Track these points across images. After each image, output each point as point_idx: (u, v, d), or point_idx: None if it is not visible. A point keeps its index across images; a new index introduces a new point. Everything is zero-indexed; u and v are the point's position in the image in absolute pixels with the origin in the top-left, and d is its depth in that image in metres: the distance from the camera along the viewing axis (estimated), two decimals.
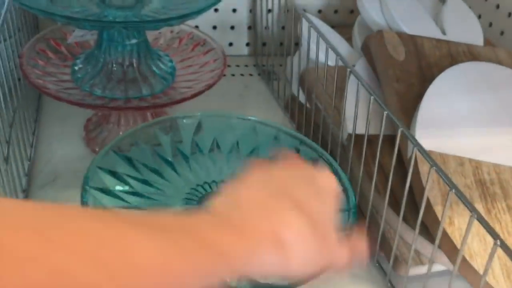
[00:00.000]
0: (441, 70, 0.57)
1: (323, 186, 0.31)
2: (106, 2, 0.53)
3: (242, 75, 0.79)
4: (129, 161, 0.44)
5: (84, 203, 0.38)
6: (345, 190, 0.43)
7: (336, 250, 0.30)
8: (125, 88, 0.55)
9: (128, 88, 0.55)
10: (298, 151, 0.48)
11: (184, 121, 0.48)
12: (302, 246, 0.27)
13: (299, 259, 0.27)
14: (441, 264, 0.47)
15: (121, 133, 0.59)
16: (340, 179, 0.44)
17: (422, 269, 0.48)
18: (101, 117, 0.61)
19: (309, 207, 0.28)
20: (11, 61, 0.54)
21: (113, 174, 0.42)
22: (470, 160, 0.48)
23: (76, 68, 0.56)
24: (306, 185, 0.30)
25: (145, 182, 0.44)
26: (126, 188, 0.42)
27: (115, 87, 0.54)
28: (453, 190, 0.36)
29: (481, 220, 0.34)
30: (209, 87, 0.55)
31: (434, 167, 0.38)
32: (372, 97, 0.45)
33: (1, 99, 0.47)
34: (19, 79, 0.57)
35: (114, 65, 0.55)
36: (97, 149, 0.59)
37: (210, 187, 0.45)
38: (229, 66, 0.80)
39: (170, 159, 0.46)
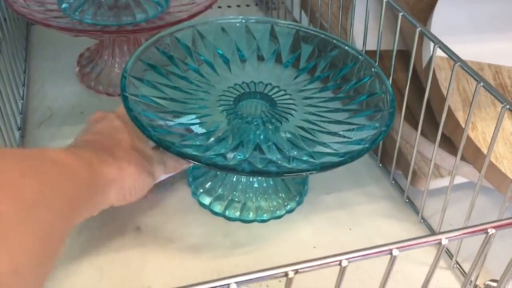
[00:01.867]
0: None
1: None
2: None
3: (238, 6, 0.75)
4: (156, 69, 0.43)
5: (129, 110, 0.37)
6: (385, 92, 0.41)
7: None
8: (117, 14, 0.51)
9: (120, 14, 0.51)
10: (325, 46, 0.46)
11: (201, 28, 0.46)
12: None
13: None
14: (462, 176, 0.45)
15: (116, 65, 0.56)
16: (379, 77, 0.43)
17: (441, 183, 0.46)
18: (94, 52, 0.58)
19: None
20: None
21: (145, 81, 0.41)
22: (490, 65, 0.45)
23: None
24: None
25: (176, 88, 0.43)
26: (161, 94, 0.41)
27: (106, 14, 0.51)
28: (481, 83, 0.33)
29: None
30: (207, 8, 0.51)
31: (459, 63, 0.35)
32: (385, 1, 0.42)
33: None
34: (4, 19, 0.53)
35: None
36: (92, 84, 0.56)
37: (242, 88, 0.44)
38: None
39: (194, 66, 0.45)
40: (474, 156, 0.40)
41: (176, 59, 0.44)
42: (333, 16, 0.56)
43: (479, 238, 0.28)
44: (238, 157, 0.37)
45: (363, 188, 0.48)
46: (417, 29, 0.39)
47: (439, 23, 0.49)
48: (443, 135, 0.43)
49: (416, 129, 0.42)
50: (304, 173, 0.34)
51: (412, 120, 0.47)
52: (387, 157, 0.49)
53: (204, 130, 0.39)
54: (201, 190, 0.45)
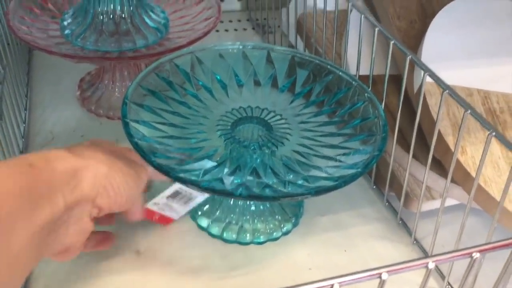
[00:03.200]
0: (442, 5, 0.56)
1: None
2: None
3: (236, 30, 0.77)
4: (156, 95, 0.44)
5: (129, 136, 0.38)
6: (378, 117, 0.43)
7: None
8: (118, 40, 0.53)
9: (121, 40, 0.53)
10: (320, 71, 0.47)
11: (203, 54, 0.48)
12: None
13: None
14: (453, 198, 0.46)
15: (116, 89, 0.58)
16: (370, 101, 0.45)
17: (433, 205, 0.47)
18: (95, 76, 0.59)
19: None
20: None
21: (145, 107, 0.43)
22: (479, 90, 0.46)
23: (65, 23, 0.54)
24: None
25: (175, 113, 0.44)
26: (160, 119, 0.43)
27: (107, 40, 0.52)
28: (469, 111, 0.35)
29: (500, 137, 0.32)
30: (205, 34, 0.53)
31: (447, 90, 0.37)
32: (377, 29, 0.43)
33: None
34: (8, 44, 0.54)
35: (104, 17, 0.53)
36: (92, 108, 0.57)
37: (239, 112, 0.46)
38: (222, 22, 0.78)
39: (193, 91, 0.46)
40: (463, 179, 0.41)
41: (175, 84, 0.46)
42: (327, 41, 0.58)
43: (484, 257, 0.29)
44: (235, 181, 0.38)
45: (357, 210, 0.50)
46: (408, 57, 0.40)
47: (429, 49, 0.50)
48: (434, 158, 0.45)
49: (409, 152, 0.43)
50: (299, 197, 0.36)
51: (404, 143, 0.48)
52: (381, 179, 0.50)
53: (215, 163, 0.40)
54: (199, 213, 0.46)
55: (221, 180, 0.38)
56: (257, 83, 0.49)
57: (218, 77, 0.48)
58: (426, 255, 0.45)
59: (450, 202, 0.47)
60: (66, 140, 0.54)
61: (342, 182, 0.36)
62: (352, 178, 0.36)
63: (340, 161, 0.40)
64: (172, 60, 0.47)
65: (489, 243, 0.26)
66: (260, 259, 0.44)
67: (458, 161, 0.41)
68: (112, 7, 0.53)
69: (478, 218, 0.48)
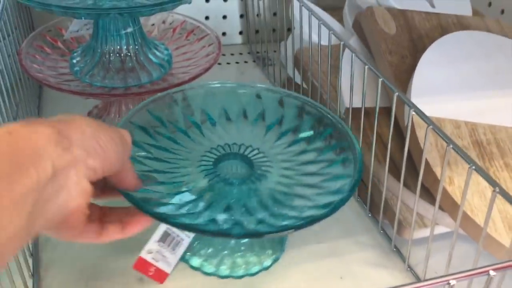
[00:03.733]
0: (432, 41, 0.58)
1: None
2: None
3: (237, 62, 0.80)
4: (146, 131, 0.46)
5: None
6: (350, 142, 0.45)
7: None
8: (124, 77, 0.56)
9: (127, 76, 0.56)
10: (302, 111, 0.49)
11: (193, 92, 0.50)
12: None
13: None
14: (445, 226, 0.48)
15: None
16: (340, 128, 0.47)
17: (426, 232, 0.49)
18: (102, 109, 0.62)
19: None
20: (10, 59, 0.55)
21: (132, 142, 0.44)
22: (466, 122, 0.49)
23: (74, 61, 0.57)
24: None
25: (162, 148, 0.45)
26: (145, 153, 0.44)
27: (114, 77, 0.55)
28: (451, 145, 0.37)
29: (480, 171, 0.35)
30: (206, 70, 0.56)
31: (431, 126, 0.39)
32: (366, 67, 0.46)
33: (4, 94, 0.48)
34: (19, 79, 0.58)
35: (111, 55, 0.56)
36: None
37: (223, 149, 0.47)
38: (223, 55, 0.81)
39: (184, 128, 0.48)
40: (451, 208, 0.43)
41: (165, 121, 0.48)
42: (323, 74, 0.61)
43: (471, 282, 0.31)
44: (229, 220, 0.40)
45: (353, 237, 0.51)
46: (395, 94, 0.43)
47: (420, 83, 0.53)
48: (426, 188, 0.47)
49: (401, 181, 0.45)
50: (293, 230, 0.37)
51: (397, 173, 0.51)
52: (375, 207, 0.52)
53: (193, 197, 0.42)
54: (189, 254, 0.47)
55: (214, 221, 0.39)
56: (246, 120, 0.50)
57: (209, 114, 0.50)
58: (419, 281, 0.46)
59: (442, 229, 0.49)
60: None
61: (332, 209, 0.38)
62: (339, 204, 0.38)
63: (323, 187, 0.42)
64: (164, 98, 0.49)
65: (466, 270, 0.28)
66: (259, 280, 0.46)
67: (446, 191, 0.43)
68: (118, 46, 0.56)
69: (471, 245, 0.50)
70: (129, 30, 0.55)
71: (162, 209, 0.39)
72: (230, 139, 0.48)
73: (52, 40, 0.60)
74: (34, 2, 0.47)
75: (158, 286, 0.45)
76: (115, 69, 0.56)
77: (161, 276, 0.44)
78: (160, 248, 0.43)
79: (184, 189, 0.43)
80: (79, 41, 0.61)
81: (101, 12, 0.48)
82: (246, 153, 0.47)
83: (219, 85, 0.51)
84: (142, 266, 0.43)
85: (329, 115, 0.48)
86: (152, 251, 0.43)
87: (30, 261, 0.45)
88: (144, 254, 0.43)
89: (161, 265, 0.44)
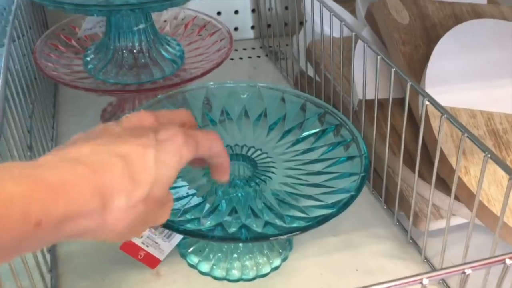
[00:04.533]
0: (446, 30, 0.58)
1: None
2: None
3: (250, 57, 0.80)
4: None
5: None
6: (354, 139, 0.44)
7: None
8: (137, 73, 0.56)
9: (140, 73, 0.56)
10: (304, 108, 0.49)
11: (193, 93, 0.50)
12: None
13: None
14: (461, 217, 0.48)
15: None
16: (344, 124, 0.46)
17: (442, 223, 0.49)
18: (116, 106, 0.63)
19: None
20: (25, 58, 0.56)
21: None
22: (482, 112, 0.48)
23: (88, 59, 0.58)
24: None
25: None
26: None
27: (127, 73, 0.56)
28: (466, 134, 0.37)
29: (495, 159, 0.34)
30: (218, 65, 0.56)
31: (446, 115, 0.39)
32: (379, 57, 0.46)
33: (20, 93, 0.48)
34: (35, 78, 0.58)
35: (124, 52, 0.56)
36: None
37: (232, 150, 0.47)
38: (236, 50, 0.81)
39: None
40: (467, 198, 0.43)
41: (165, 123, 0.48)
42: (336, 66, 0.60)
43: (488, 272, 0.30)
44: (236, 223, 0.39)
45: (368, 230, 0.51)
46: (408, 84, 0.43)
47: (434, 73, 0.52)
48: (442, 178, 0.46)
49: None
50: (302, 232, 0.37)
51: (412, 164, 0.50)
52: (391, 199, 0.52)
53: (200, 200, 0.42)
54: (189, 250, 0.47)
55: (221, 225, 0.39)
56: (247, 120, 0.50)
57: (208, 115, 0.50)
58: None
59: (460, 220, 0.49)
60: None
61: (340, 208, 0.38)
62: (348, 202, 0.38)
63: (330, 186, 0.42)
64: (164, 100, 0.49)
65: (481, 259, 0.27)
66: (274, 277, 0.46)
67: (462, 181, 0.43)
68: (131, 43, 0.56)
69: (488, 236, 0.49)
70: (141, 26, 0.55)
71: None
72: (232, 140, 0.48)
73: (66, 39, 0.61)
74: (47, 0, 0.47)
75: (172, 284, 0.45)
76: (128, 65, 0.56)
77: (152, 261, 0.44)
78: (150, 234, 0.44)
79: (188, 192, 0.43)
80: (92, 39, 0.62)
81: (113, 9, 0.48)
82: (249, 153, 0.47)
83: (218, 85, 0.51)
84: (129, 248, 0.44)
85: (332, 112, 0.48)
86: (142, 235, 0.44)
87: (48, 256, 0.46)
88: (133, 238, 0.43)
89: (151, 250, 0.44)
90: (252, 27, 0.84)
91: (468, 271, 0.26)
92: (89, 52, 0.58)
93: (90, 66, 0.57)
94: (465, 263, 0.26)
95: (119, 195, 0.28)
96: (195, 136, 0.34)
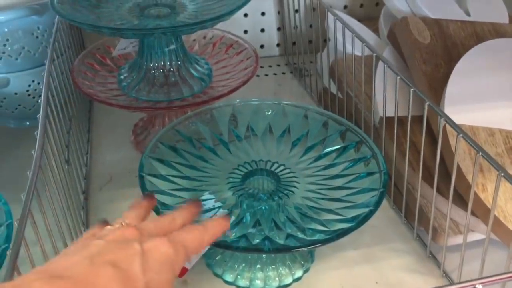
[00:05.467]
0: (467, 49, 0.59)
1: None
2: (144, 14, 0.58)
3: (275, 74, 0.83)
4: (175, 150, 0.49)
5: (143, 188, 0.42)
6: (374, 156, 0.46)
7: None
8: (168, 91, 0.59)
9: (170, 91, 0.59)
10: (326, 126, 0.51)
11: (220, 110, 0.53)
12: None
13: None
14: (479, 232, 0.49)
15: None
16: (364, 141, 0.48)
17: (461, 239, 0.50)
18: (147, 121, 0.66)
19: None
20: (64, 76, 0.60)
21: (162, 162, 0.47)
22: (500, 130, 0.49)
23: (122, 77, 0.61)
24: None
25: (191, 167, 0.48)
26: (175, 172, 0.47)
27: (158, 91, 0.59)
28: (480, 153, 0.38)
29: (508, 177, 0.35)
30: (244, 83, 0.58)
31: (461, 134, 0.40)
32: (398, 77, 0.47)
33: (59, 109, 0.52)
34: (72, 95, 0.62)
35: (155, 70, 0.60)
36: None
37: (250, 165, 0.50)
38: (262, 67, 0.84)
39: (211, 146, 0.51)
40: (485, 215, 0.44)
41: (194, 139, 0.51)
42: (358, 84, 0.62)
43: None
44: (259, 235, 0.42)
45: (389, 244, 0.52)
46: (426, 104, 0.44)
47: (454, 92, 0.54)
48: (461, 195, 0.47)
49: (436, 189, 0.46)
50: (322, 244, 0.39)
51: (431, 180, 0.51)
52: (411, 214, 0.53)
53: (226, 212, 0.44)
54: (213, 261, 0.49)
55: (246, 237, 0.41)
56: (271, 136, 0.53)
57: (234, 131, 0.52)
58: None
59: (479, 236, 0.50)
60: (122, 181, 0.60)
61: (359, 222, 0.40)
62: (367, 217, 0.40)
63: (349, 201, 0.44)
64: (191, 118, 0.52)
65: (491, 275, 0.29)
66: None
67: (478, 198, 0.44)
68: (162, 62, 0.59)
69: (506, 252, 0.50)
70: (172, 47, 0.58)
71: None
72: (257, 155, 0.51)
73: (101, 58, 0.64)
74: (86, 24, 0.51)
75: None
76: (159, 84, 0.59)
77: (181, 271, 0.46)
78: None
79: (214, 205, 0.45)
80: (126, 58, 0.65)
81: (146, 32, 0.51)
82: (272, 168, 0.49)
83: (244, 102, 0.54)
84: None
85: (353, 129, 0.50)
86: None
87: None
88: None
89: None
90: (278, 45, 0.87)
91: (479, 287, 0.27)
92: (122, 71, 0.62)
93: (123, 84, 0.60)
94: (477, 278, 0.28)
95: None
96: (182, 241, 0.34)
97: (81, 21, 0.51)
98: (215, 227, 0.37)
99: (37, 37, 0.63)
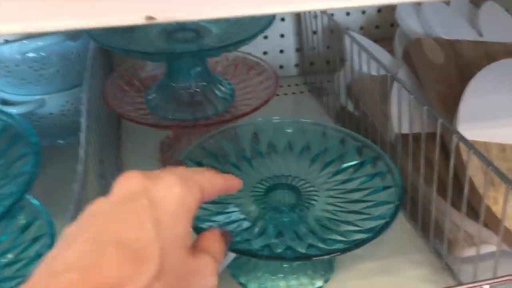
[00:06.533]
0: (479, 69, 0.61)
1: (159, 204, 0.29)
2: (171, 38, 0.62)
3: (293, 93, 0.86)
4: (202, 166, 0.52)
5: None
6: (390, 171, 0.49)
7: None
8: (193, 110, 0.63)
9: (195, 110, 0.63)
10: (344, 142, 0.54)
11: (243, 128, 0.56)
12: None
13: None
14: (493, 244, 0.50)
15: None
16: (381, 157, 0.51)
17: (475, 250, 0.52)
18: (173, 139, 0.70)
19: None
20: (96, 97, 0.64)
21: None
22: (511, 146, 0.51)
23: (150, 97, 0.65)
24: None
25: None
26: None
27: (184, 110, 0.62)
28: (490, 167, 0.40)
29: None
30: (266, 102, 0.61)
31: (472, 150, 0.43)
32: (412, 96, 0.50)
33: (96, 128, 0.56)
34: (102, 113, 0.66)
35: (182, 91, 0.63)
36: None
37: (272, 180, 0.53)
38: (281, 86, 0.87)
39: (235, 161, 0.54)
40: (497, 227, 0.46)
41: (219, 156, 0.54)
42: (374, 102, 0.65)
43: None
44: (282, 245, 0.44)
45: (405, 256, 0.55)
46: (439, 122, 0.47)
47: (467, 110, 0.56)
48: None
49: (451, 203, 0.49)
50: (341, 253, 0.42)
51: (446, 194, 0.53)
52: (426, 227, 0.55)
53: (250, 223, 0.47)
54: (246, 278, 0.51)
55: (269, 246, 0.44)
56: (291, 153, 0.56)
57: (256, 147, 0.56)
58: None
59: (493, 248, 0.51)
60: None
61: (376, 232, 0.42)
62: (383, 228, 0.42)
63: (367, 213, 0.46)
64: (215, 135, 0.55)
65: (499, 277, 0.31)
66: None
67: (491, 211, 0.46)
68: (188, 83, 0.63)
69: None
70: (198, 69, 0.62)
71: None
72: (278, 171, 0.54)
73: (129, 79, 0.68)
74: (119, 49, 0.55)
75: None
76: (185, 103, 0.63)
77: None
78: None
79: (239, 217, 0.48)
80: (152, 79, 0.69)
81: (175, 56, 0.55)
82: (293, 183, 0.52)
83: (266, 121, 0.57)
84: None
85: (370, 145, 0.52)
86: None
87: None
88: None
89: None
90: (296, 65, 0.90)
91: (485, 287, 0.29)
92: (150, 91, 0.65)
93: (152, 103, 0.64)
94: (484, 280, 0.30)
95: (124, 287, 0.25)
96: (195, 178, 0.31)
97: (115, 46, 0.55)
98: (229, 177, 0.35)
99: (71, 60, 0.67)
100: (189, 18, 0.29)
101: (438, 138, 0.48)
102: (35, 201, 0.44)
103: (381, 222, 0.44)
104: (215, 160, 0.54)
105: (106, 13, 0.28)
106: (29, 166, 0.38)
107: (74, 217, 0.38)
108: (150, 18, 0.28)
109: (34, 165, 0.37)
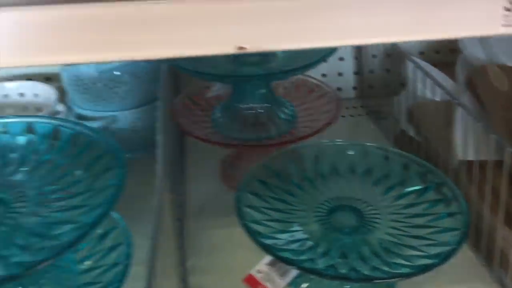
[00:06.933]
0: None
1: None
2: (238, 61, 0.64)
3: (351, 116, 0.87)
4: (266, 185, 0.54)
5: (241, 217, 0.48)
6: (455, 197, 0.49)
7: None
8: (257, 130, 0.65)
9: (259, 130, 0.65)
10: (407, 167, 0.55)
11: (305, 149, 0.58)
12: None
13: None
14: None
15: None
16: (445, 183, 0.51)
17: None
18: (235, 158, 0.72)
19: None
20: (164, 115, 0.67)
21: (255, 194, 0.53)
22: None
23: (215, 116, 0.68)
24: None
25: (280, 200, 0.54)
26: (267, 205, 0.53)
27: (248, 130, 0.65)
28: None
29: None
30: (327, 125, 0.63)
31: None
32: (479, 124, 0.50)
33: (165, 145, 0.59)
34: (168, 130, 0.69)
35: (246, 112, 0.66)
36: (234, 185, 0.69)
37: (334, 201, 0.54)
38: None
39: (298, 182, 0.56)
40: None
41: (282, 176, 0.56)
42: (436, 127, 0.65)
43: None
44: (346, 265, 0.45)
45: (467, 284, 0.54)
46: (507, 150, 0.47)
47: None
48: None
49: None
50: (406, 277, 0.43)
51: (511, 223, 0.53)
52: (490, 255, 0.55)
53: (313, 243, 0.48)
54: None
55: (333, 267, 0.45)
56: (353, 175, 0.57)
57: (319, 170, 0.57)
58: None
59: None
60: (213, 210, 0.65)
61: (442, 259, 0.42)
62: (449, 255, 0.43)
63: (431, 239, 0.46)
64: (278, 157, 0.57)
65: None
66: None
67: None
68: (252, 104, 0.65)
69: None
70: (262, 91, 0.64)
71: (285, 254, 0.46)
72: (341, 192, 0.55)
73: (196, 99, 0.71)
74: (192, 71, 0.58)
75: None
76: (249, 123, 0.65)
77: None
78: (269, 271, 0.50)
79: (303, 236, 0.49)
80: (217, 99, 0.72)
81: (244, 79, 0.57)
82: (355, 205, 0.53)
83: (328, 142, 0.58)
84: (251, 281, 0.50)
85: (433, 171, 0.53)
86: (262, 271, 0.50)
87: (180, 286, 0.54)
88: (254, 272, 0.50)
89: (269, 285, 0.50)
90: (354, 88, 0.91)
91: None
92: (216, 111, 0.68)
93: (217, 122, 0.67)
94: None
95: None
96: None
97: (188, 68, 0.58)
98: None
99: (142, 79, 0.71)
100: (277, 47, 0.31)
101: (505, 166, 0.47)
102: (112, 212, 0.47)
103: (446, 248, 0.44)
104: (278, 179, 0.56)
105: (201, 44, 0.31)
106: (116, 180, 0.40)
107: (155, 230, 0.41)
108: (241, 48, 0.30)
109: (121, 178, 0.40)
